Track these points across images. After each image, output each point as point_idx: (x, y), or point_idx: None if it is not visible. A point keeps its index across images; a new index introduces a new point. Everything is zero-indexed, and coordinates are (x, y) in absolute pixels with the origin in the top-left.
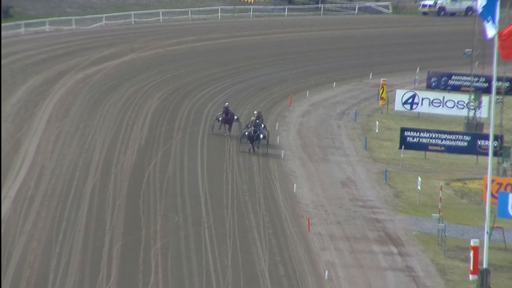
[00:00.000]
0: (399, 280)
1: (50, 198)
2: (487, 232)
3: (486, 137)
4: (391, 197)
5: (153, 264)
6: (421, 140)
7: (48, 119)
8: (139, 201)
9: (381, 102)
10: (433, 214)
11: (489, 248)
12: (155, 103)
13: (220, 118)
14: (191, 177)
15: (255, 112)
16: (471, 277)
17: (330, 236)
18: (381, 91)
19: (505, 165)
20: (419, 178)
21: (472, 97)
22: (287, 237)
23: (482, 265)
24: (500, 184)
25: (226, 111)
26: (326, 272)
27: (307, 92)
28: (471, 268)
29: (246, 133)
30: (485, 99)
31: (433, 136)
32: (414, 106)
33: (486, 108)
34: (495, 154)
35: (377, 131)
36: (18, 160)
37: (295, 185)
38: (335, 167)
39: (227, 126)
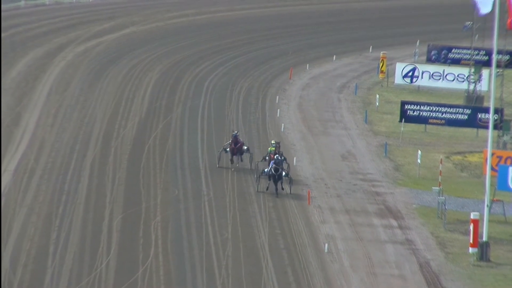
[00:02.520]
0: (399, 253)
1: (50, 171)
2: (487, 205)
3: (486, 110)
4: (391, 170)
5: (153, 237)
6: (421, 113)
7: (48, 92)
8: (139, 174)
9: (381, 76)
10: (433, 187)
11: (489, 221)
12: (155, 76)
13: (228, 149)
14: (191, 150)
15: (272, 142)
16: (471, 250)
17: (330, 209)
18: (381, 65)
19: (505, 138)
20: (419, 151)
21: (472, 70)
22: (287, 210)
23: (482, 238)
24: (500, 157)
25: (236, 141)
26: (326, 245)
27: (307, 65)
28: (471, 241)
29: (266, 170)
30: (485, 72)
31: (433, 109)
32: (414, 79)
33: (486, 81)
34: (495, 127)
35: (377, 104)
36: (18, 133)
37: (295, 158)
38: (335, 140)
39: (236, 157)
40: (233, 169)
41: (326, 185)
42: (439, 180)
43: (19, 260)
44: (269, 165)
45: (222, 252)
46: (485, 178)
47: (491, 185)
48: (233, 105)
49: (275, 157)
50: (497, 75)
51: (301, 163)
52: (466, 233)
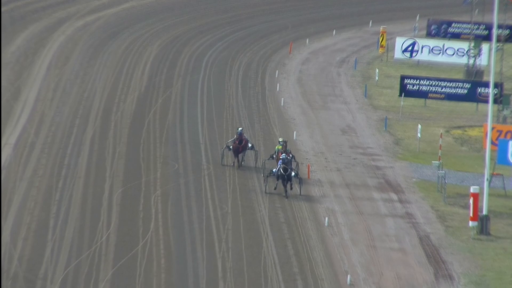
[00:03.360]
0: (399, 226)
1: (50, 145)
2: (487, 179)
3: (486, 85)
4: (391, 144)
5: (153, 211)
6: (421, 87)
7: (48, 67)
8: (139, 148)
9: (381, 50)
10: (433, 161)
11: (489, 195)
12: (155, 50)
13: (231, 146)
14: (191, 124)
15: (280, 140)
16: (470, 223)
17: (330, 183)
18: (381, 39)
19: (505, 112)
20: (419, 126)
21: (472, 44)
22: None
23: (482, 211)
24: (500, 132)
25: (240, 139)
26: (326, 219)
27: (307, 40)
28: (471, 214)
29: (274, 170)
30: (485, 46)
31: (433, 83)
32: (414, 53)
33: (486, 56)
34: (495, 101)
35: (377, 78)
36: (18, 107)
37: (295, 132)
38: (335, 114)
39: (240, 155)
40: (234, 165)
41: (326, 159)
42: (439, 154)
43: (19, 234)
44: (277, 165)
45: (222, 226)
46: (485, 152)
47: (491, 159)
48: (233, 79)
49: (282, 155)
50: (497, 50)
51: (301, 137)
52: (466, 206)
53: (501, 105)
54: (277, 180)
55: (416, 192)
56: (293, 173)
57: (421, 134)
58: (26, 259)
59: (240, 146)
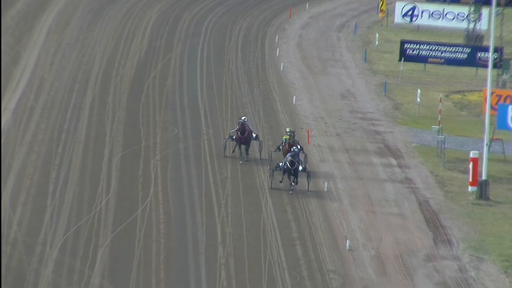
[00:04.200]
0: (399, 191)
1: (50, 110)
2: (486, 144)
3: (486, 49)
4: (390, 109)
5: (152, 176)
6: (420, 52)
7: (47, 32)
8: (138, 113)
9: (380, 15)
10: (432, 126)
11: (488, 159)
12: (155, 15)
13: (234, 137)
14: (190, 89)
15: (287, 130)
16: (470, 188)
17: (330, 148)
18: (380, 3)
19: (504, 77)
20: (419, 90)
21: (472, 9)
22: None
23: (481, 176)
24: (500, 96)
25: (243, 129)
26: (326, 184)
27: (307, 4)
28: (470, 179)
29: (281, 164)
30: (485, 11)
31: (433, 48)
32: (414, 18)
33: (486, 20)
34: (494, 66)
35: (376, 43)
36: (18, 72)
37: (294, 97)
38: (334, 79)
39: (243, 147)
40: (240, 162)
41: (325, 124)
42: (439, 119)
43: (19, 199)
44: (284, 158)
45: (222, 191)
46: (484, 117)
47: (491, 123)
48: (233, 44)
49: (291, 149)
50: (497, 14)
51: (300, 102)
52: (466, 171)
53: (500, 70)
54: (284, 174)
55: (416, 157)
56: (300, 167)
57: (420, 99)
58: (25, 224)
59: (243, 137)
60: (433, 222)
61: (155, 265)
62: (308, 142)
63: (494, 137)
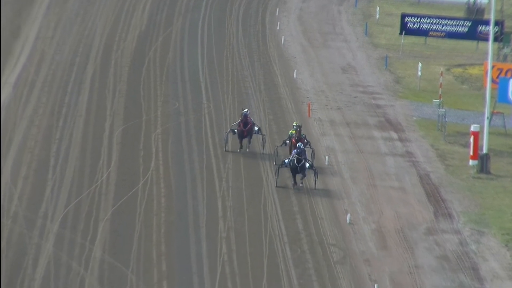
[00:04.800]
0: (399, 165)
1: (50, 84)
2: (487, 118)
3: (486, 23)
4: (391, 83)
5: (153, 150)
6: (421, 25)
7: (48, 5)
8: (139, 87)
9: None
10: (433, 100)
11: (489, 133)
12: None
13: (236, 130)
14: (191, 63)
15: (294, 124)
16: (471, 162)
17: (331, 121)
18: None
19: (505, 50)
20: (420, 64)
21: None
22: (287, 122)
23: (482, 150)
24: (501, 70)
25: (245, 121)
26: (326, 158)
27: None
28: (471, 153)
29: (286, 161)
30: None
31: (434, 21)
32: None
33: None
34: (495, 39)
35: (377, 16)
36: (18, 46)
37: (295, 71)
38: (335, 53)
39: (245, 140)
40: (238, 150)
41: (326, 97)
42: (440, 92)
43: (20, 173)
44: (290, 154)
45: (223, 165)
46: (485, 90)
47: (492, 97)
48: (233, 18)
49: (298, 145)
50: None
51: (301, 76)
52: (466, 145)
53: (501, 43)
54: (291, 172)
55: (416, 130)
56: (307, 164)
57: (421, 73)
58: (26, 198)
59: (245, 130)
60: (434, 196)
61: (156, 239)
62: (309, 116)
63: (495, 111)
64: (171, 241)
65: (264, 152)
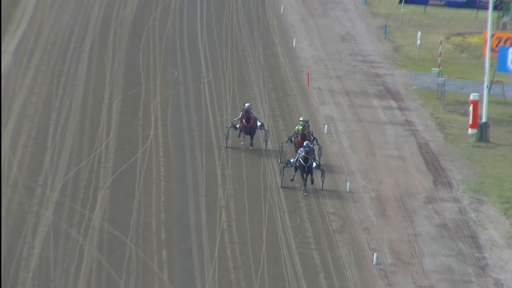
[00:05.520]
0: (399, 134)
1: (50, 53)
2: (486, 86)
3: None
4: (390, 52)
5: (152, 118)
6: None
7: None
8: (138, 56)
9: None
10: (432, 69)
11: (489, 102)
12: None
13: (238, 125)
14: (190, 32)
15: (300, 119)
16: (470, 130)
17: (330, 90)
18: None
19: (505, 19)
20: (419, 33)
21: None
22: (286, 91)
23: (481, 119)
24: (500, 39)
25: (247, 117)
26: (326, 126)
27: None
28: (471, 122)
29: (292, 160)
30: None
31: None
32: None
33: None
34: (495, 8)
35: None
36: (17, 14)
37: (294, 40)
38: (334, 22)
39: (247, 137)
40: (243, 142)
41: (325, 66)
42: (439, 61)
43: (19, 141)
44: (296, 153)
45: (222, 133)
46: (484, 59)
47: (491, 66)
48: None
49: (305, 143)
50: None
51: (300, 45)
52: (466, 114)
53: (501, 12)
54: (296, 171)
55: (416, 99)
56: (314, 164)
57: (421, 41)
58: (25, 166)
59: (247, 126)
60: (433, 165)
61: (155, 207)
62: (308, 85)
63: (494, 80)
64: (171, 210)
65: (267, 149)
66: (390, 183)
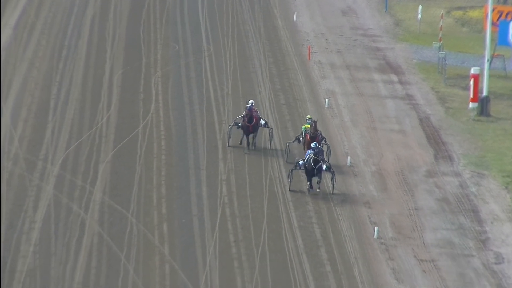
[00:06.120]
0: (399, 108)
1: (50, 27)
2: (487, 60)
3: None
4: (391, 26)
5: (153, 92)
6: None
7: None
8: (139, 30)
9: None
10: (433, 43)
11: (489, 76)
12: None
13: (240, 124)
14: (191, 6)
15: (308, 118)
16: (471, 104)
17: (331, 64)
18: None
19: None
20: (420, 7)
21: None
22: (287, 65)
23: (482, 92)
24: (501, 12)
25: (250, 115)
26: (327, 100)
27: None
28: (471, 95)
29: (301, 162)
30: None
31: None
32: None
33: None
34: None
35: None
36: None
37: (295, 14)
38: None
39: (250, 136)
40: (246, 152)
41: (326, 40)
42: (440, 35)
43: (20, 115)
44: (305, 154)
45: (222, 107)
46: (485, 33)
47: (492, 40)
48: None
49: (312, 145)
50: None
51: (301, 19)
52: (466, 88)
53: None
54: (305, 174)
55: (417, 73)
56: (324, 166)
57: (421, 15)
58: (26, 141)
59: (250, 125)
60: (434, 139)
61: (156, 181)
62: (309, 59)
63: (495, 54)
64: (172, 184)
65: (271, 149)
66: (391, 157)
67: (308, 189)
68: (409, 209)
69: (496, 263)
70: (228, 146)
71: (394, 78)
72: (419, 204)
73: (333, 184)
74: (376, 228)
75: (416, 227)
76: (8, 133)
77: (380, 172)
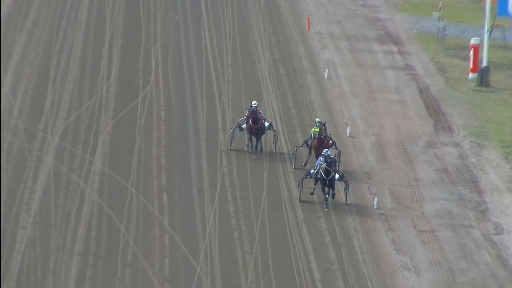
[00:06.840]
0: (399, 78)
1: None
2: (487, 31)
3: None
4: None
5: (153, 63)
6: None
7: None
8: (138, 0)
9: None
10: (433, 13)
11: (489, 46)
12: None
13: (244, 126)
14: None
15: (316, 121)
16: (471, 75)
17: (330, 35)
18: None
19: None
20: None
21: None
22: (287, 36)
23: (482, 63)
24: None
25: (254, 117)
26: (326, 71)
27: None
28: (471, 66)
29: (312, 172)
30: None
31: None
32: None
33: None
34: None
35: None
36: None
37: None
38: None
39: (254, 139)
40: (254, 157)
41: (326, 10)
42: (440, 5)
43: (20, 86)
44: (316, 163)
45: (222, 78)
46: (485, 3)
47: (492, 10)
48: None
49: (324, 151)
50: None
51: None
52: (466, 58)
53: None
54: (316, 183)
55: (416, 43)
56: (337, 176)
57: None
58: (26, 111)
59: (254, 128)
60: (434, 109)
61: (155, 152)
62: (309, 29)
63: (495, 24)
64: (171, 154)
65: (276, 152)
66: (391, 128)
67: (325, 205)
68: (409, 179)
69: (495, 234)
70: (231, 149)
71: (394, 48)
72: (418, 175)
73: (346, 195)
74: (375, 199)
75: (416, 197)
76: (7, 103)
77: (380, 143)
